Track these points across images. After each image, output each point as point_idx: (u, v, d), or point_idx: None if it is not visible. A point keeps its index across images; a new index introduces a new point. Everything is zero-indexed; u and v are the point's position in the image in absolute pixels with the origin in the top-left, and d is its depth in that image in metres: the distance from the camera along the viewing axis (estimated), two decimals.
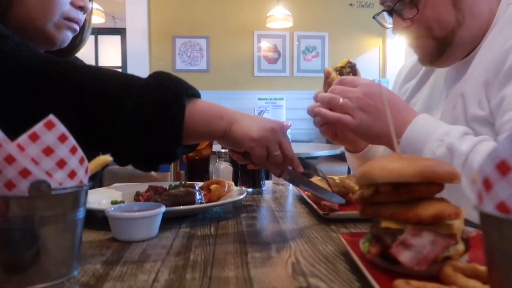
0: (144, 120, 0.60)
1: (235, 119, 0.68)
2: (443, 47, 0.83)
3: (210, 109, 0.67)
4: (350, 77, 0.78)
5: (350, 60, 0.87)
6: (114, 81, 0.62)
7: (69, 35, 0.91)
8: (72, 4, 0.89)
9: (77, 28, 0.92)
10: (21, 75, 0.60)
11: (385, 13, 0.90)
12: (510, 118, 0.70)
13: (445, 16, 0.80)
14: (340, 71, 0.86)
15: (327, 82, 0.86)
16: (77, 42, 1.01)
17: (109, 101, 0.60)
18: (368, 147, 0.98)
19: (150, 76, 0.65)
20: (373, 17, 0.93)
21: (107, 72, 0.64)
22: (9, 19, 0.84)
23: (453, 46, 0.83)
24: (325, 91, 0.85)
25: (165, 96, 0.61)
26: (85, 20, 0.99)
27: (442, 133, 0.69)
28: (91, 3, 0.97)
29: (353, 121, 0.74)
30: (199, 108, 0.66)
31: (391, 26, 0.89)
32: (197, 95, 0.67)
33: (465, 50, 0.85)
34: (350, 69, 0.86)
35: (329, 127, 0.87)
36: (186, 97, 0.64)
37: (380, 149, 1.01)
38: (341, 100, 0.74)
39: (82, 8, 0.90)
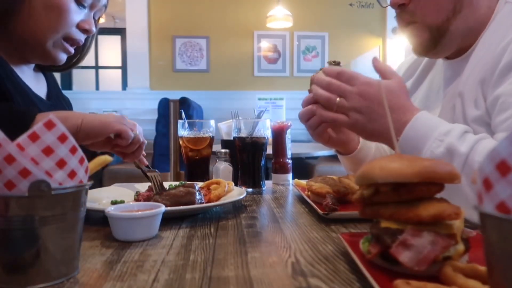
0: None
1: (80, 116, 0.75)
2: (437, 37, 0.83)
3: (56, 114, 0.73)
4: (348, 73, 0.77)
5: (334, 60, 0.88)
6: None
7: (63, 56, 0.93)
8: (78, 26, 0.89)
9: (72, 51, 0.94)
10: None
11: None
12: (506, 118, 0.70)
13: (442, 1, 0.80)
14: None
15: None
16: (73, 61, 1.04)
17: None
18: (358, 149, 0.98)
19: None
20: None
21: None
22: (12, 29, 0.85)
23: (447, 37, 0.82)
24: (311, 92, 0.86)
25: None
26: (86, 41, 1.00)
27: (442, 133, 0.69)
28: (97, 23, 0.99)
29: (348, 121, 0.75)
30: (45, 115, 0.70)
31: (388, 4, 0.89)
32: (38, 111, 0.72)
33: (459, 42, 0.84)
34: (336, 66, 0.87)
35: (324, 131, 0.88)
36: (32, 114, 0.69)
37: (372, 150, 1.01)
38: (337, 99, 0.75)
39: (86, 31, 0.91)
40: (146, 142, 0.88)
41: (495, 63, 0.74)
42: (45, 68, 1.07)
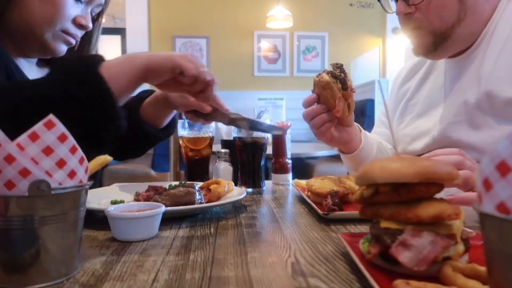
0: (75, 110, 0.66)
1: (147, 53, 0.74)
2: (439, 41, 0.85)
3: (119, 59, 0.73)
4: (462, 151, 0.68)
5: (337, 62, 0.89)
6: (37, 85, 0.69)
7: (63, 48, 0.92)
8: (74, 21, 0.89)
9: (73, 42, 0.93)
10: None
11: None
12: None
13: (449, 9, 0.82)
14: (331, 73, 0.87)
15: (320, 86, 0.88)
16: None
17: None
18: (360, 148, 0.99)
19: (54, 70, 0.71)
20: (378, 0, 0.94)
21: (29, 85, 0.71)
22: (8, 23, 0.85)
23: (449, 42, 0.84)
24: (314, 92, 0.90)
25: (75, 79, 0.67)
26: (92, 34, 1.00)
27: None
28: (99, 20, 0.98)
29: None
30: (111, 63, 0.71)
31: (393, 11, 0.90)
32: (102, 59, 0.72)
33: (459, 47, 0.87)
34: (339, 69, 0.88)
35: (327, 130, 0.89)
36: (96, 64, 0.69)
37: (373, 150, 1.02)
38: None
39: (82, 27, 0.91)
40: (217, 81, 0.82)
41: None
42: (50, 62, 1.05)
